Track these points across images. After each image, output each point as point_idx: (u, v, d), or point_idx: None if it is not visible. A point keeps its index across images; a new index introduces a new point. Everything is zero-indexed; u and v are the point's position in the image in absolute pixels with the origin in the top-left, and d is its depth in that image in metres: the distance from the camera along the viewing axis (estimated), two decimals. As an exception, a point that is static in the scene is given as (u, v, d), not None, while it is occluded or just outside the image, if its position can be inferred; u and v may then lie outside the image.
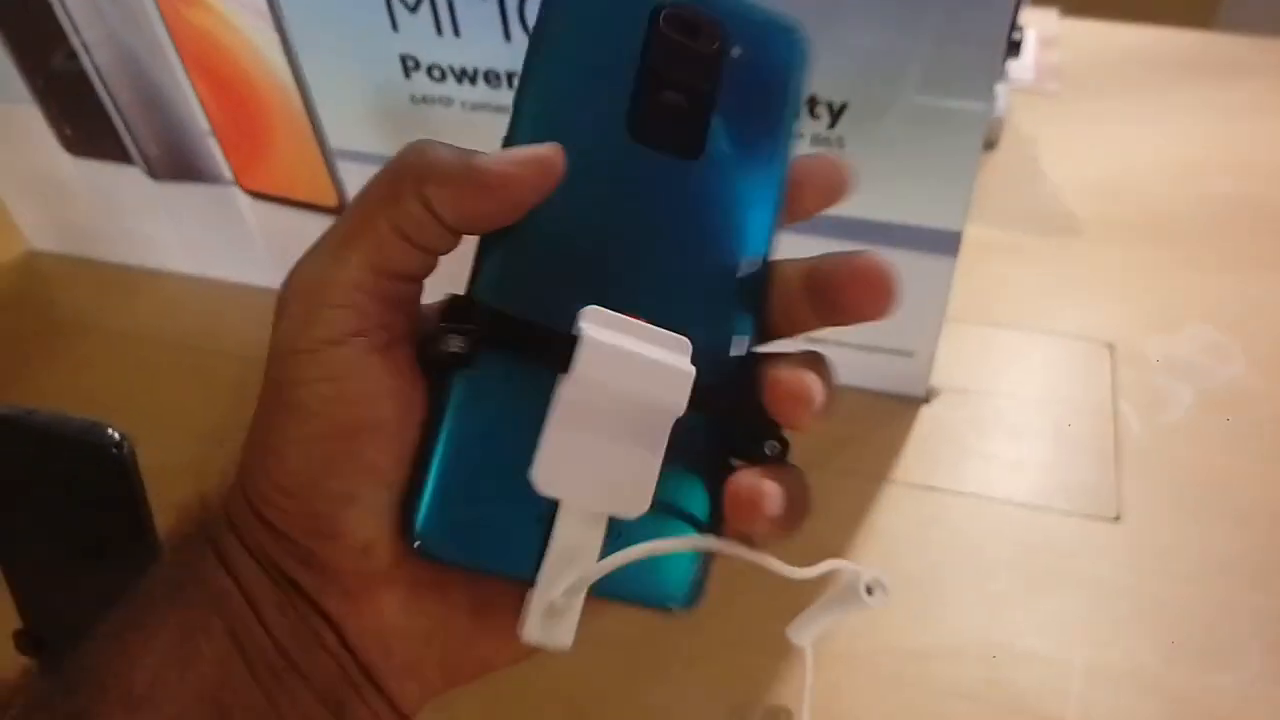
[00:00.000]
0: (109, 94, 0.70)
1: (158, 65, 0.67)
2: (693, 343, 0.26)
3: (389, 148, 0.66)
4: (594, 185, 0.27)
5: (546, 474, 0.25)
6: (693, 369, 0.26)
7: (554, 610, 0.25)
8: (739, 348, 0.28)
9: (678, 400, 0.25)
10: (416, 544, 0.25)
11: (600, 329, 0.25)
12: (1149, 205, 0.84)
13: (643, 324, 0.26)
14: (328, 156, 0.67)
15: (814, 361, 0.27)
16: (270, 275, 0.78)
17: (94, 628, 0.26)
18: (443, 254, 0.26)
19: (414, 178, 0.25)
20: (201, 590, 0.26)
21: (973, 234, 0.58)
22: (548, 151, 0.25)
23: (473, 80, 0.60)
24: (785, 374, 0.26)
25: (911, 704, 0.51)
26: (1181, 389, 0.67)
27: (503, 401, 0.25)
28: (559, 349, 0.25)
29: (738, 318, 0.28)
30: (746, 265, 0.28)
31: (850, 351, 0.64)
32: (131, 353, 0.76)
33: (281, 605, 0.26)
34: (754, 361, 0.28)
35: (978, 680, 0.52)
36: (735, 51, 0.28)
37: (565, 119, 0.27)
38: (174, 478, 0.71)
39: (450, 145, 0.25)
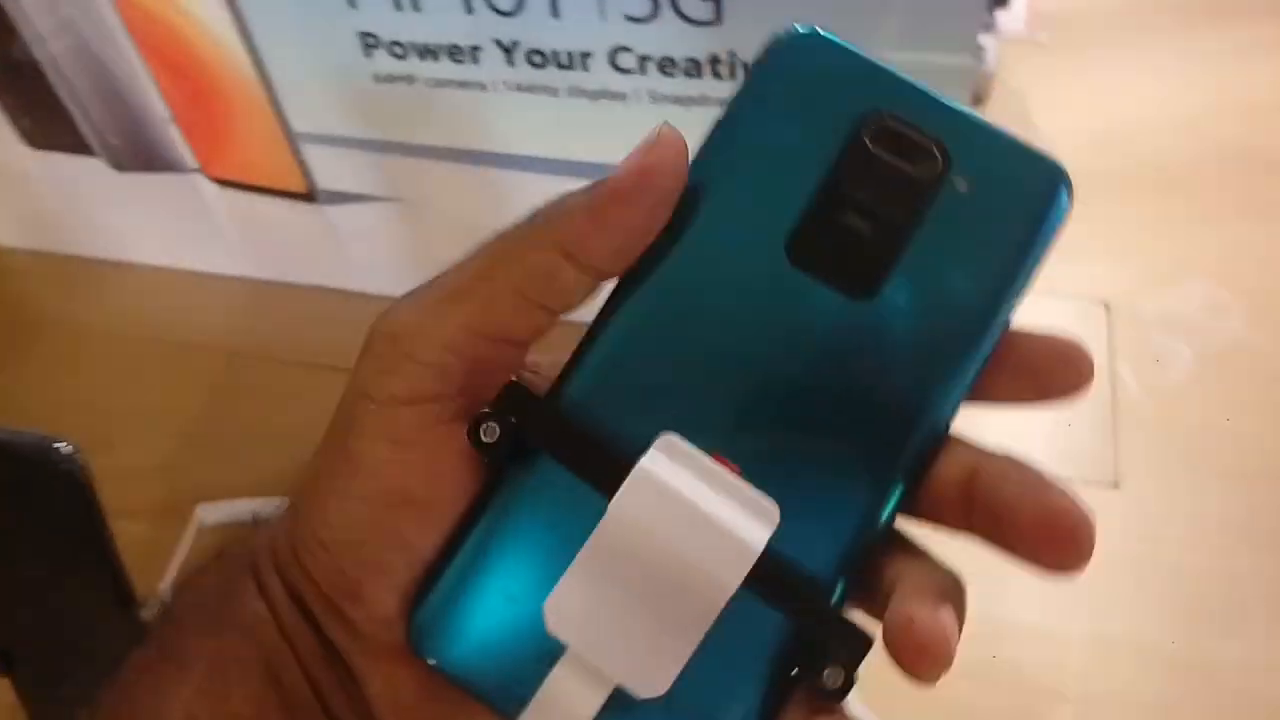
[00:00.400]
0: (65, 84, 0.67)
1: (113, 53, 0.64)
2: (792, 518, 0.22)
3: (355, 129, 0.65)
4: (728, 301, 0.23)
5: (559, 612, 0.22)
6: (760, 545, 0.21)
7: None
8: (850, 538, 0.22)
9: (727, 578, 0.21)
10: (410, 637, 0.23)
11: (665, 462, 0.22)
12: (1144, 157, 0.81)
13: (726, 471, 0.22)
14: (292, 140, 0.64)
15: (954, 591, 0.23)
16: (241, 264, 0.76)
17: (129, 655, 0.25)
18: (567, 310, 0.24)
19: (546, 222, 0.23)
20: (237, 619, 0.25)
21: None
22: (667, 130, 0.23)
23: (436, 56, 0.57)
24: (924, 615, 0.21)
25: (897, 687, 0.50)
26: (1180, 348, 0.65)
27: (549, 515, 0.23)
28: (611, 471, 0.22)
29: (861, 502, 0.23)
30: (893, 441, 0.23)
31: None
32: (100, 349, 0.74)
33: (314, 649, 0.25)
34: (865, 563, 0.23)
35: (975, 657, 0.51)
36: (960, 184, 0.23)
37: (724, 215, 0.24)
38: (148, 479, 0.70)
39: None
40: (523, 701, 0.22)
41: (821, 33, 0.24)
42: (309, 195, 0.68)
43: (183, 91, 0.65)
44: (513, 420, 0.23)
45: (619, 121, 0.56)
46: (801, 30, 0.24)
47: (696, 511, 0.21)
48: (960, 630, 0.21)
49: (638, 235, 0.23)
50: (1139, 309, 0.68)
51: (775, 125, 0.24)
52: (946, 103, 0.24)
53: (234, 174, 0.69)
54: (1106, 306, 0.68)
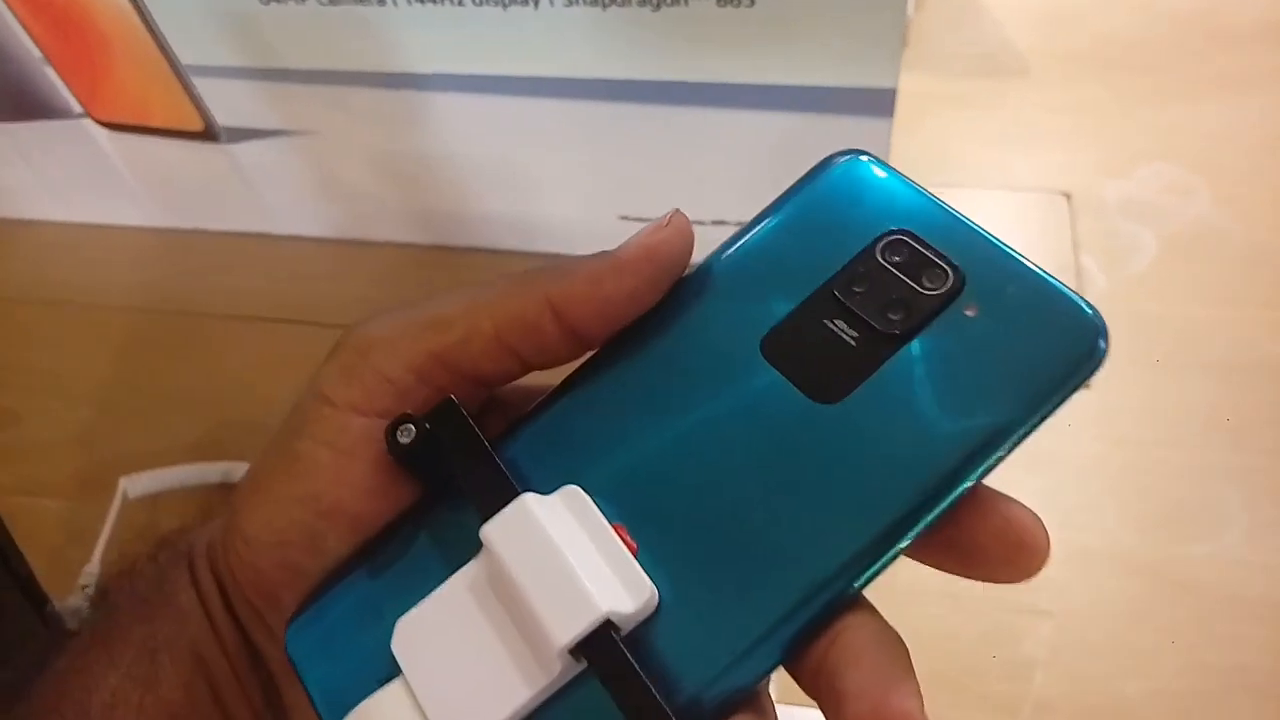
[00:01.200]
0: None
1: (-31, -11, 0.58)
2: (676, 617, 0.20)
3: (248, 58, 0.59)
4: (689, 385, 0.23)
5: (407, 635, 0.22)
6: (604, 610, 0.20)
7: None
8: (730, 659, 0.20)
9: (560, 635, 0.19)
10: (286, 628, 0.23)
11: (553, 507, 0.21)
12: (1097, 34, 0.77)
13: (616, 539, 0.21)
14: (181, 75, 0.59)
15: (905, 657, 0.21)
16: (146, 213, 0.70)
17: (65, 641, 0.25)
18: (541, 366, 0.24)
19: (542, 275, 0.23)
20: (169, 607, 0.25)
21: (908, 86, 0.51)
22: (679, 215, 0.24)
23: (326, -30, 0.52)
24: (900, 709, 0.19)
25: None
26: (1144, 234, 0.62)
27: (445, 541, 0.23)
28: (498, 498, 0.21)
29: (751, 629, 0.20)
30: (805, 575, 0.20)
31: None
32: (3, 314, 0.69)
33: (239, 647, 0.25)
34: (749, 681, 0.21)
35: (946, 576, 0.49)
36: (969, 313, 0.21)
37: (716, 303, 0.23)
38: (63, 453, 0.66)
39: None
40: (342, 714, 0.21)
41: (873, 157, 0.24)
42: (209, 134, 0.62)
43: (50, 28, 0.59)
44: (427, 426, 0.23)
45: (533, 30, 0.52)
46: (854, 152, 0.24)
47: (559, 560, 0.20)
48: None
49: (629, 309, 0.23)
50: (1101, 196, 0.64)
51: (798, 230, 0.24)
52: (985, 236, 0.22)
53: (123, 116, 0.63)
54: (1067, 196, 0.65)
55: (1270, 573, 0.48)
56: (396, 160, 0.62)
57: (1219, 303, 0.59)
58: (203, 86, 0.60)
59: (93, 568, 0.54)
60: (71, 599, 0.52)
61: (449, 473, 0.23)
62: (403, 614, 0.22)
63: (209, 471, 0.57)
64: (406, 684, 0.21)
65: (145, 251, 0.71)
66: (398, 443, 0.23)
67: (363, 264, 0.67)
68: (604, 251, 0.24)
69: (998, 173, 0.67)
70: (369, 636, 0.22)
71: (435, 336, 0.24)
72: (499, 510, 0.21)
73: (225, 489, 0.57)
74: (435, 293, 0.25)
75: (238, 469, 0.57)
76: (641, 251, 0.23)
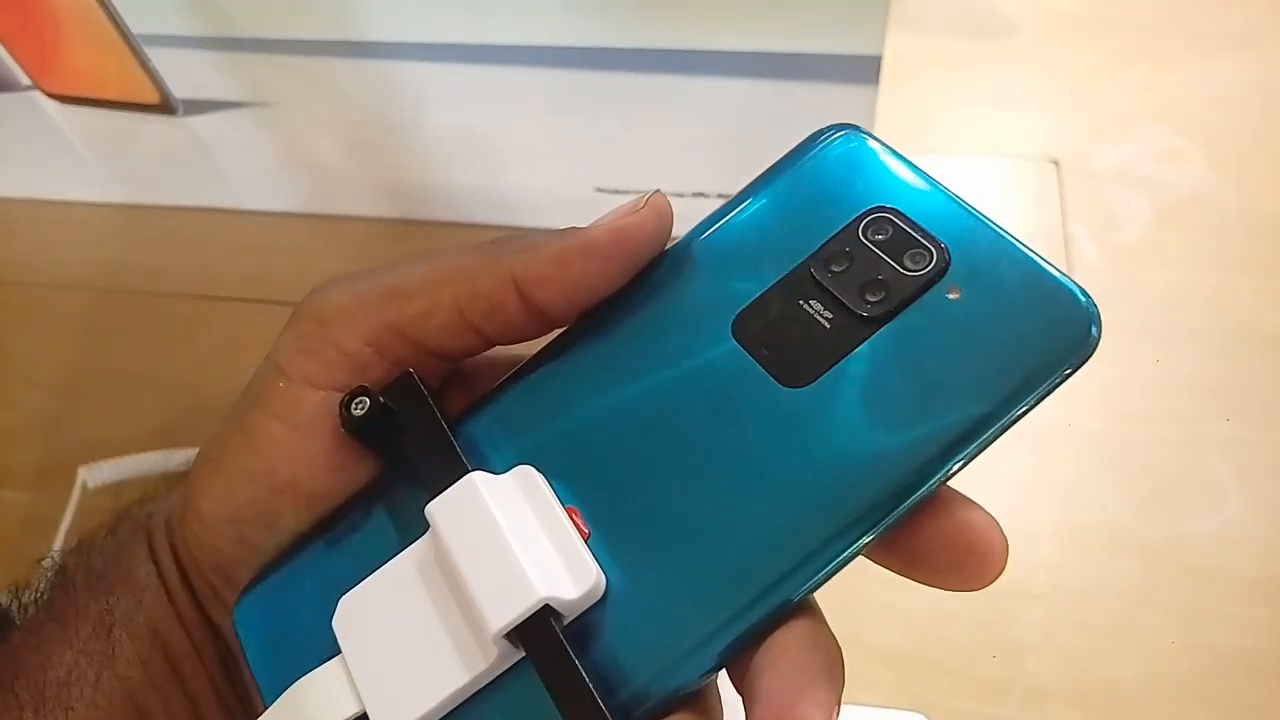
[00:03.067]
0: None
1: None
2: (620, 599, 0.20)
3: (202, 26, 0.56)
4: (656, 367, 0.22)
5: (350, 613, 0.21)
6: (542, 598, 0.19)
7: None
8: (678, 654, 0.19)
9: (496, 619, 0.19)
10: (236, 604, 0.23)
11: (504, 486, 0.21)
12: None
13: (567, 523, 0.20)
14: (133, 45, 0.56)
15: (836, 665, 0.20)
16: (106, 189, 0.68)
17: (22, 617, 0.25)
18: (502, 342, 0.24)
19: (508, 250, 0.23)
20: (126, 580, 0.24)
21: (893, 47, 0.49)
22: (658, 197, 0.23)
23: (282, -68, 0.49)
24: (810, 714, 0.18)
25: (864, 596, 0.46)
26: (1136, 202, 0.60)
27: (396, 521, 0.22)
28: (448, 475, 0.21)
29: (701, 624, 0.19)
30: (760, 575, 0.19)
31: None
32: (-44, 298, 0.66)
33: (198, 622, 0.25)
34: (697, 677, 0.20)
35: (939, 561, 0.48)
36: (953, 297, 0.20)
37: (690, 282, 0.22)
38: (22, 440, 0.63)
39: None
40: (281, 691, 0.21)
41: (864, 131, 0.23)
42: (165, 106, 0.60)
43: (-6, -4, 0.56)
44: (382, 400, 0.22)
45: (503, -5, 0.49)
46: (844, 126, 0.23)
47: (501, 541, 0.19)
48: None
49: (595, 291, 0.23)
50: (1091, 163, 0.63)
51: (780, 207, 0.23)
52: (976, 215, 0.21)
53: (75, 88, 0.60)
54: (1056, 164, 0.63)
55: (1270, 550, 0.47)
56: (362, 132, 0.59)
57: (1213, 271, 0.57)
58: (156, 57, 0.57)
59: (50, 561, 0.52)
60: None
61: (404, 449, 0.22)
62: (348, 592, 0.21)
63: (172, 459, 0.55)
64: (345, 663, 0.21)
65: (103, 229, 0.68)
66: (352, 416, 0.22)
67: (331, 239, 0.65)
68: (574, 228, 0.23)
69: (984, 138, 0.65)
70: (314, 614, 0.22)
71: (394, 308, 0.23)
72: (447, 488, 0.21)
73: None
74: (395, 261, 0.24)
75: (203, 456, 0.55)
76: (612, 235, 0.22)
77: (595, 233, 0.22)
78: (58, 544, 0.53)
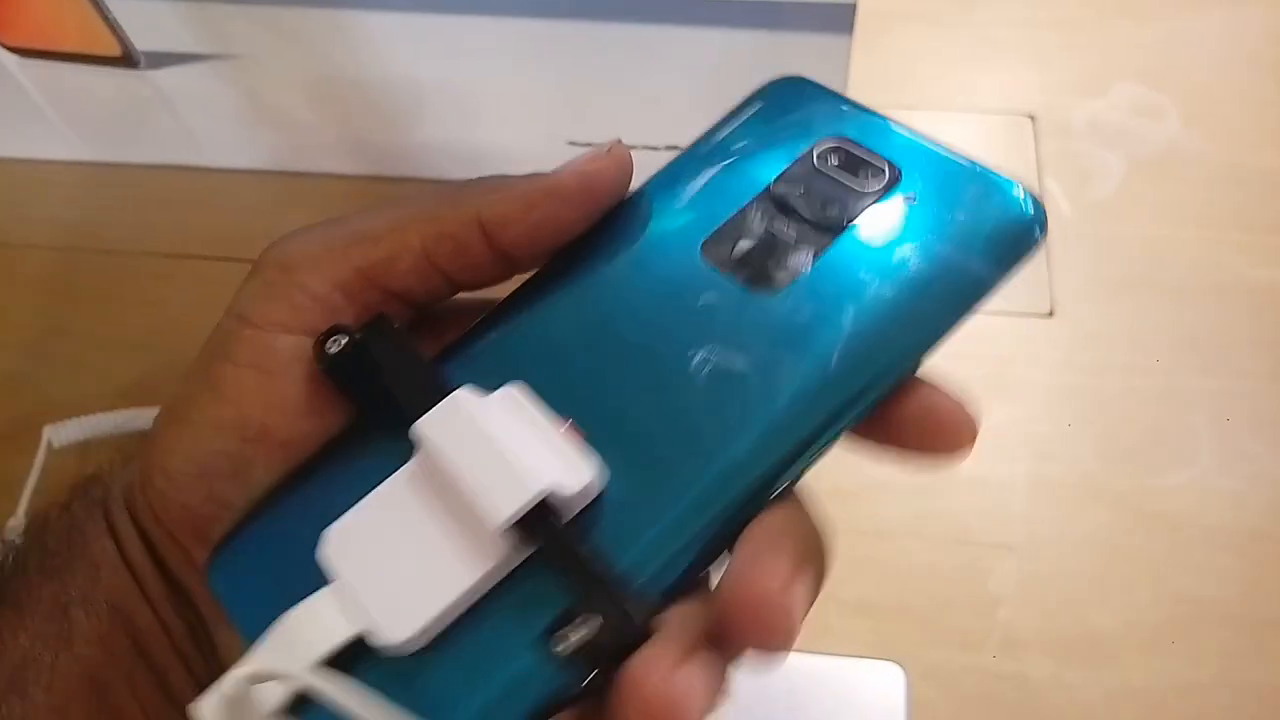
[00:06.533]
0: None
1: None
2: (617, 496, 0.20)
3: (166, -26, 0.55)
4: (628, 288, 0.23)
5: (335, 542, 0.21)
6: (544, 487, 0.19)
7: (236, 700, 0.19)
8: (681, 540, 0.20)
9: (498, 511, 0.19)
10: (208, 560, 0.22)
11: (493, 403, 0.21)
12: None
13: (559, 426, 0.21)
14: (94, -6, 0.55)
15: (814, 552, 0.20)
16: (70, 146, 0.66)
17: None
18: (467, 287, 0.24)
19: (473, 193, 0.23)
20: (81, 557, 0.24)
21: (869, 2, 0.49)
22: (619, 147, 0.24)
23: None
24: (771, 589, 0.18)
25: (838, 549, 0.46)
26: (1111, 158, 0.60)
27: (373, 462, 0.22)
28: (431, 397, 0.21)
29: (700, 515, 0.20)
30: (749, 466, 0.20)
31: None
32: (-85, 258, 0.65)
33: (164, 593, 0.24)
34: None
35: (916, 514, 0.47)
36: (904, 200, 0.22)
37: (655, 214, 0.24)
38: (-13, 401, 0.63)
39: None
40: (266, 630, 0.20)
41: (811, 79, 0.25)
42: (127, 59, 0.58)
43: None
44: (358, 336, 0.22)
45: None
46: (791, 76, 0.25)
47: (495, 443, 0.20)
48: (812, 602, 0.19)
49: (560, 233, 0.23)
50: (1066, 119, 0.62)
51: (736, 147, 0.24)
52: (922, 140, 0.23)
53: (32, 39, 0.59)
54: (1031, 119, 0.62)
55: (1243, 501, 0.48)
56: (331, 86, 0.58)
57: (1188, 225, 0.57)
58: (116, 7, 0.55)
59: (17, 522, 0.51)
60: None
61: (381, 386, 0.22)
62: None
63: (139, 417, 0.54)
64: (337, 590, 0.20)
65: (68, 187, 0.67)
66: (327, 354, 0.22)
67: (301, 197, 0.64)
68: (539, 173, 0.23)
69: (960, 94, 0.65)
70: (297, 556, 0.21)
71: (361, 253, 0.23)
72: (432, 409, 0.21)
73: (155, 436, 0.54)
74: (359, 209, 0.24)
75: (170, 415, 0.54)
76: (577, 179, 0.23)
77: (561, 176, 0.23)
78: (23, 504, 0.52)
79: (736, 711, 0.40)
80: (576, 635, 0.18)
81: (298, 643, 0.19)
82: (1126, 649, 0.45)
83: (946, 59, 0.67)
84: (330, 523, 0.21)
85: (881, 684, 0.42)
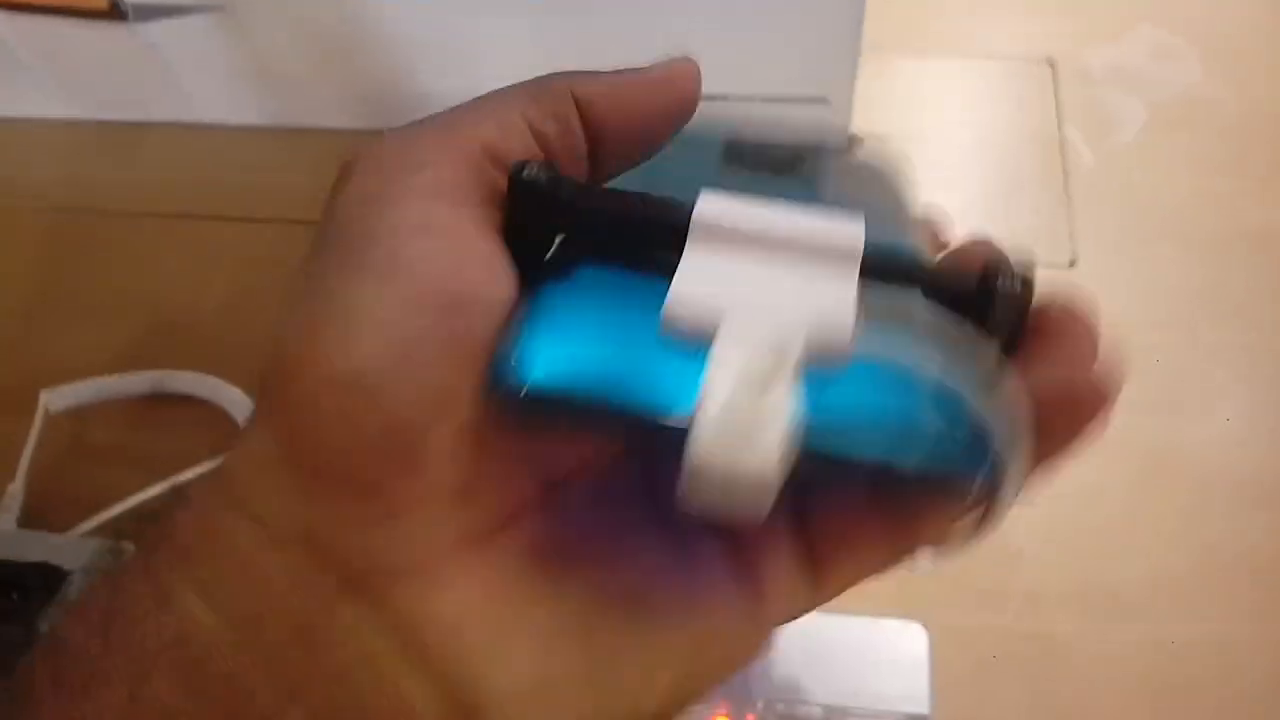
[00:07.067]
0: None
1: None
2: None
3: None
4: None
5: (685, 304, 0.18)
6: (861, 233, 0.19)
7: (738, 410, 0.16)
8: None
9: (855, 236, 0.19)
10: (519, 385, 0.17)
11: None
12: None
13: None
14: (78, -58, 0.53)
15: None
16: (55, 104, 0.64)
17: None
18: (568, 173, 0.21)
19: (565, 75, 0.22)
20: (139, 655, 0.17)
21: (885, -54, 0.47)
22: (688, 61, 0.23)
23: None
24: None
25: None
26: (1133, 104, 0.59)
27: (617, 279, 0.20)
28: (674, 208, 0.20)
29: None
30: None
31: (754, 105, 0.54)
32: (-96, 221, 0.63)
33: (297, 583, 0.18)
34: None
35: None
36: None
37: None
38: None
39: None
40: (671, 405, 0.17)
41: None
42: (115, 12, 0.56)
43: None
44: (557, 166, 0.20)
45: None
46: None
47: (787, 206, 0.19)
48: None
49: (647, 121, 0.22)
50: (1086, 64, 0.61)
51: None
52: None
53: (18, -8, 0.57)
54: (1051, 64, 0.61)
55: (1266, 453, 0.47)
56: (326, 37, 0.56)
57: (1210, 174, 0.55)
58: (105, -45, 0.54)
59: (16, 487, 0.50)
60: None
61: (586, 207, 0.20)
62: (641, 324, 0.18)
63: (137, 381, 0.53)
64: (731, 338, 0.17)
65: (58, 146, 0.65)
66: (524, 180, 0.20)
67: (298, 153, 0.62)
68: (624, 69, 0.22)
69: (975, 40, 0.63)
70: (623, 343, 0.18)
71: (476, 129, 0.20)
72: (687, 207, 0.19)
73: (155, 400, 0.53)
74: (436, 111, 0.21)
75: (170, 378, 0.53)
76: (663, 71, 0.22)
77: (647, 70, 0.22)
78: (21, 470, 0.51)
79: (760, 670, 0.40)
80: (1007, 283, 0.19)
81: (747, 397, 0.16)
82: (1150, 605, 0.44)
83: (962, 3, 0.65)
84: (630, 321, 0.18)
85: (905, 643, 0.41)
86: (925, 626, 0.42)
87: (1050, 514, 0.46)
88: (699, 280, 0.18)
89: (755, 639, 0.21)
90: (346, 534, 0.17)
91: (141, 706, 0.16)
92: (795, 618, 0.21)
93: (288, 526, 0.17)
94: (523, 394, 0.17)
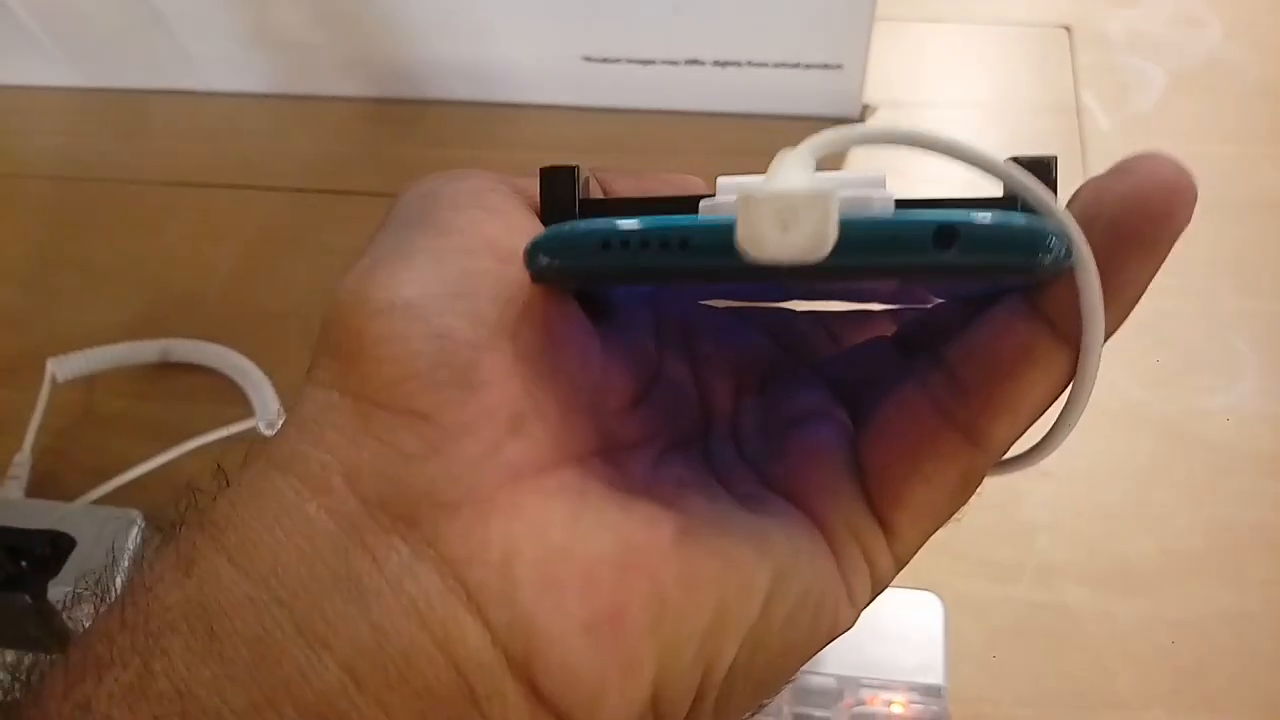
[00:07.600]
0: None
1: None
2: None
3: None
4: None
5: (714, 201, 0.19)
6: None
7: (790, 204, 0.15)
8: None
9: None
10: (547, 245, 0.18)
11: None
12: None
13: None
14: (81, -96, 0.52)
15: None
16: (64, 72, 0.64)
17: None
18: None
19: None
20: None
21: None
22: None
23: None
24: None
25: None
26: (1151, 70, 0.58)
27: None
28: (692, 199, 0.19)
29: None
30: None
31: (767, 72, 0.54)
32: (-90, 189, 0.63)
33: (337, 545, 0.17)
34: None
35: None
36: None
37: None
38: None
39: None
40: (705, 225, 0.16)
41: None
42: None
43: None
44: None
45: None
46: None
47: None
48: None
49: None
50: (1104, 29, 0.60)
51: None
52: None
53: (20, -44, 0.56)
54: (1068, 30, 0.60)
55: (1285, 424, 0.46)
56: (331, 3, 0.56)
57: (1229, 141, 0.55)
58: (108, -81, 0.53)
59: (24, 456, 0.49)
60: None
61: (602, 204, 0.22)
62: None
63: (144, 350, 0.52)
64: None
65: (64, 114, 0.64)
66: (553, 169, 0.21)
67: (305, 121, 0.62)
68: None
69: (992, 5, 0.62)
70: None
71: (514, 184, 0.22)
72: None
73: (162, 368, 0.52)
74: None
75: (176, 346, 0.52)
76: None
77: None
78: (28, 439, 0.50)
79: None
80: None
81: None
82: (1164, 576, 0.43)
83: (977, -32, 0.64)
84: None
85: (919, 614, 0.41)
86: (940, 597, 0.42)
87: (1065, 485, 0.45)
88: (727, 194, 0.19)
89: (834, 593, 0.20)
90: (398, 467, 0.17)
91: (151, 683, 0.16)
92: (877, 583, 0.21)
93: (336, 472, 0.17)
94: (554, 245, 0.17)
